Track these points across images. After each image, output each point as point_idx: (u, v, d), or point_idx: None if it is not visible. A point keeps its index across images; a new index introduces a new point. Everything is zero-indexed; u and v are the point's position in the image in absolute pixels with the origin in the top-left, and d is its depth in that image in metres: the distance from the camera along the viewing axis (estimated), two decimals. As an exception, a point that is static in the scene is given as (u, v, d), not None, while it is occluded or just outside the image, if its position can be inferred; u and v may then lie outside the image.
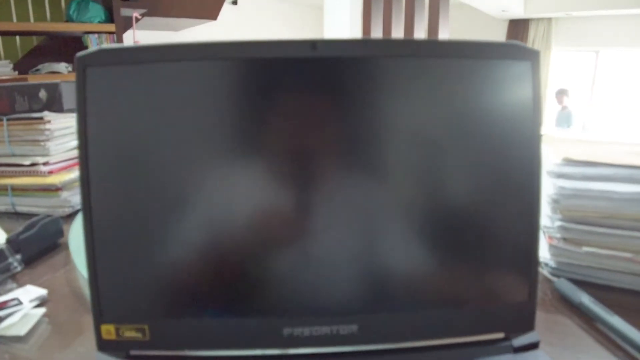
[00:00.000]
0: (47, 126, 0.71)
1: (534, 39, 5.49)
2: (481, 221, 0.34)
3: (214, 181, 0.31)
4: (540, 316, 0.35)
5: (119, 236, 0.32)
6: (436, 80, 0.32)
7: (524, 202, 0.34)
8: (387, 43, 0.31)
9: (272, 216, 0.32)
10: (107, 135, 0.31)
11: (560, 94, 4.85)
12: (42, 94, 0.73)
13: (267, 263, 0.32)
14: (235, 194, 0.32)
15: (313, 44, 0.29)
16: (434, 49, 0.32)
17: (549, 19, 5.40)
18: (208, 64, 0.31)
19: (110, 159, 0.31)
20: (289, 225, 0.32)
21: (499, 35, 5.70)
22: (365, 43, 0.31)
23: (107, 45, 0.30)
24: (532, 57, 0.33)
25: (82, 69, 0.30)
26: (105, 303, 0.31)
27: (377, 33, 2.57)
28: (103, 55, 0.30)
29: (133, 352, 0.32)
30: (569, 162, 0.47)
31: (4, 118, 0.72)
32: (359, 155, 0.32)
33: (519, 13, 5.15)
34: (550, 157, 0.48)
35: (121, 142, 0.31)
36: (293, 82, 0.30)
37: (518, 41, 0.33)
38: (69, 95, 0.75)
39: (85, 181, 0.31)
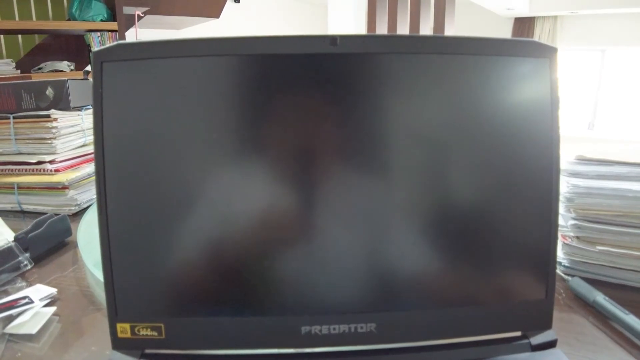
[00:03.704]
0: (54, 124, 0.71)
1: (539, 38, 5.47)
2: (499, 219, 0.33)
3: (230, 178, 0.31)
4: (554, 315, 0.35)
5: (134, 233, 0.31)
6: (454, 77, 0.32)
7: (542, 201, 0.33)
8: (408, 39, 0.31)
9: (290, 214, 0.31)
10: (123, 130, 0.31)
11: None
12: (49, 91, 0.73)
13: (284, 261, 0.32)
14: (251, 192, 0.31)
15: (333, 39, 0.29)
16: (454, 45, 0.31)
17: (555, 17, 5.39)
18: (225, 59, 0.30)
19: (126, 155, 0.31)
20: (307, 222, 0.31)
21: (504, 33, 5.68)
22: (386, 39, 0.30)
23: (124, 41, 0.29)
24: (550, 54, 0.33)
25: (98, 64, 0.30)
26: (120, 301, 0.31)
27: (382, 31, 2.56)
28: (119, 50, 0.30)
29: (148, 351, 0.32)
30: (583, 160, 0.47)
31: (11, 116, 0.72)
32: (379, 153, 0.31)
33: (524, 11, 5.13)
34: (563, 155, 0.48)
35: (137, 137, 0.31)
36: (312, 79, 0.30)
37: (535, 39, 0.33)
38: (76, 93, 0.75)
39: (101, 177, 0.30)
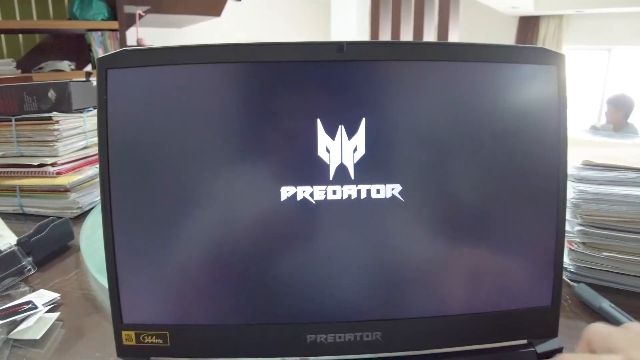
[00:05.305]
0: (56, 126, 0.71)
1: (544, 37, 5.41)
2: (506, 225, 0.33)
3: (236, 185, 0.31)
4: (560, 322, 0.34)
5: (140, 240, 0.31)
6: (462, 84, 0.32)
7: (549, 207, 0.33)
8: (415, 46, 0.31)
9: (296, 222, 0.31)
10: (127, 136, 0.30)
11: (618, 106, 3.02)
12: (51, 93, 0.73)
13: (290, 269, 0.31)
14: (258, 200, 0.31)
15: (340, 46, 0.29)
16: (461, 52, 0.31)
17: (560, 16, 5.32)
18: (230, 66, 0.30)
19: (131, 160, 0.31)
20: (314, 231, 0.31)
21: (509, 32, 5.63)
22: (394, 46, 0.30)
23: (128, 47, 0.29)
24: (558, 61, 0.33)
25: (103, 71, 0.29)
26: (126, 309, 0.31)
27: (385, 30, 2.55)
28: (124, 57, 0.30)
29: (153, 358, 0.32)
30: (589, 165, 0.47)
31: (13, 118, 0.72)
32: (386, 159, 0.31)
33: (529, 10, 5.09)
34: (569, 159, 0.48)
35: (142, 144, 0.31)
36: (319, 85, 0.30)
37: (543, 46, 0.33)
38: (78, 95, 0.74)
39: (105, 183, 0.30)
